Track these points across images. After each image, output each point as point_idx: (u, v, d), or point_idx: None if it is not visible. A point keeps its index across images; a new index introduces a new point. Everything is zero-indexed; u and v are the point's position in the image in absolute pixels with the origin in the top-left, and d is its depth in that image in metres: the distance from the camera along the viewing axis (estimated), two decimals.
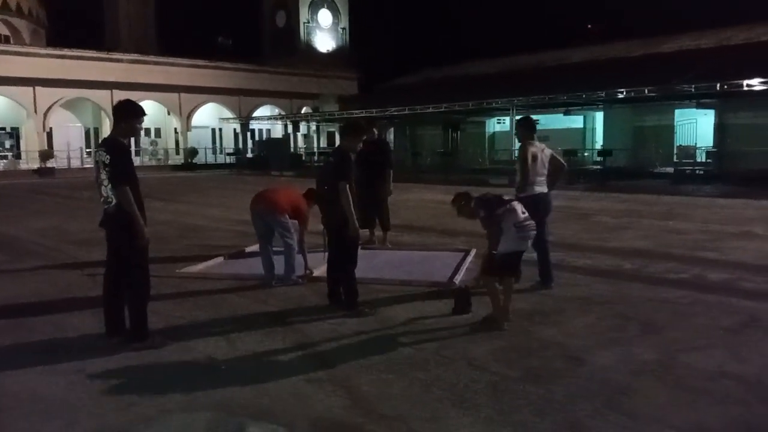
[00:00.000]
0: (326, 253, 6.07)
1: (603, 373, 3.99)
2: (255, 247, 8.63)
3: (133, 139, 33.79)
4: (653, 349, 4.43)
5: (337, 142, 44.88)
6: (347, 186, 5.26)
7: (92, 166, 27.86)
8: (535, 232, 5.12)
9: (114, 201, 4.40)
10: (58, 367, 4.21)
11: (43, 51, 36.34)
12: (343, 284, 5.47)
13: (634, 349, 4.45)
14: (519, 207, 5.03)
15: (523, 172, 6.07)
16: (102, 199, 4.49)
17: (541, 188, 6.24)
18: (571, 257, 7.83)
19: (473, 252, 8.03)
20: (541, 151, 6.24)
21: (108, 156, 4.35)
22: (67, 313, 5.61)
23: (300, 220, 6.71)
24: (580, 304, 5.62)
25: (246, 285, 6.55)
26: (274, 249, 6.63)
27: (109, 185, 4.39)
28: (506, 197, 5.10)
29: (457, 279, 6.58)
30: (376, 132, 8.58)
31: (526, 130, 6.35)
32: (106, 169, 4.37)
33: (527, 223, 4.99)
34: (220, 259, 7.98)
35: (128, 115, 4.49)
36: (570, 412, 3.43)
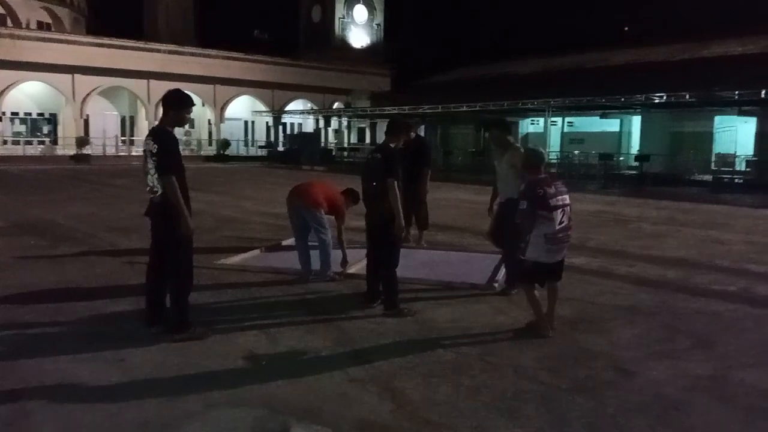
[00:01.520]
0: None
1: (655, 387, 3.85)
2: (291, 241, 8.61)
3: None
4: (705, 364, 4.27)
5: (368, 138, 44.95)
6: (395, 183, 5.20)
7: (126, 153, 28.24)
8: (566, 246, 4.86)
9: (160, 190, 4.38)
10: (99, 356, 4.21)
11: (83, 39, 36.93)
12: (384, 283, 5.40)
13: (686, 363, 4.29)
14: (559, 217, 4.69)
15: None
16: (148, 188, 4.47)
17: None
18: (613, 264, 7.65)
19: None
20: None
21: (155, 145, 4.33)
22: (107, 300, 5.63)
23: (337, 216, 6.67)
24: (626, 314, 5.46)
25: (283, 279, 6.52)
26: (310, 244, 6.59)
27: (156, 174, 4.37)
28: (557, 201, 4.70)
29: (497, 282, 6.45)
30: (413, 133, 8.47)
31: (505, 131, 6.27)
32: (153, 158, 4.35)
33: (560, 235, 4.72)
34: (257, 251, 7.98)
35: (177, 104, 4.47)
36: (623, 427, 3.31)
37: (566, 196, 4.75)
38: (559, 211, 4.68)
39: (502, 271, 6.91)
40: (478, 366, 4.11)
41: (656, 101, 22.46)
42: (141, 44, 38.43)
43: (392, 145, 5.55)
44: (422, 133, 36.92)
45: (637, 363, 4.24)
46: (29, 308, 5.31)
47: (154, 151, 4.32)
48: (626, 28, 53.66)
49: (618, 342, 4.68)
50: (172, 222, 4.36)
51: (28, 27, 39.62)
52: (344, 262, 6.71)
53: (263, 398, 3.56)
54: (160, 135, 4.40)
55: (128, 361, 4.09)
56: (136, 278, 6.36)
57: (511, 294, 5.89)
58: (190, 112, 4.55)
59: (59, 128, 35.63)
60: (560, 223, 4.69)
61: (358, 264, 6.95)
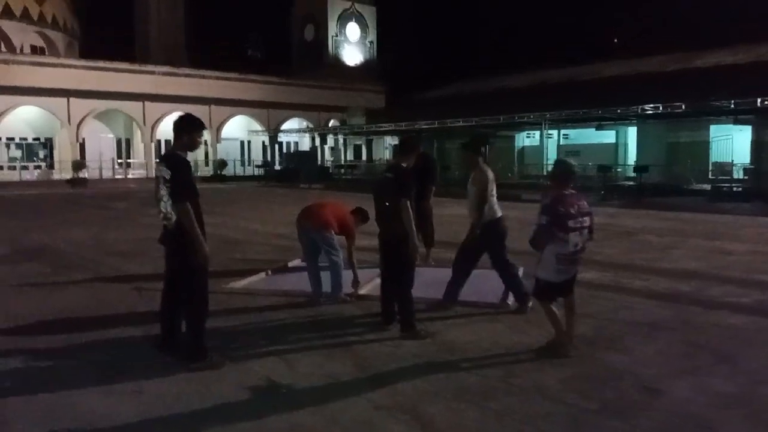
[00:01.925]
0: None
1: (683, 406, 3.78)
2: (297, 262, 8.57)
3: (162, 149, 33.91)
4: (731, 381, 4.20)
5: (364, 154, 45.00)
6: (408, 203, 5.15)
7: (122, 176, 28.09)
8: (576, 268, 4.77)
9: (174, 217, 4.31)
10: (115, 388, 4.11)
11: (77, 63, 36.97)
12: (400, 304, 5.33)
13: (711, 379, 4.23)
14: (574, 239, 4.58)
15: (487, 199, 5.98)
16: (161, 215, 4.39)
17: (501, 211, 6.29)
18: (625, 278, 7.60)
19: (521, 270, 7.82)
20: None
21: (169, 171, 4.27)
22: (117, 328, 5.53)
23: (347, 236, 6.62)
24: (645, 330, 5.40)
25: (293, 302, 6.44)
26: (321, 265, 6.52)
27: (169, 201, 4.30)
28: (576, 223, 4.58)
29: (510, 299, 6.39)
30: (420, 147, 8.43)
31: (481, 151, 6.26)
32: (167, 184, 4.28)
33: (572, 257, 4.63)
34: (264, 274, 7.89)
35: (191, 128, 4.42)
36: None
37: (587, 218, 4.64)
38: (577, 233, 4.59)
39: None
40: (502, 389, 4.03)
41: (653, 112, 22.51)
42: (135, 66, 38.51)
43: (404, 165, 5.52)
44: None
45: (663, 381, 4.17)
46: (38, 339, 5.22)
47: (168, 177, 4.25)
48: (615, 41, 54.12)
49: (641, 359, 4.61)
50: (186, 249, 4.29)
51: (21, 52, 39.66)
52: (355, 283, 6.64)
53: (289, 428, 3.48)
54: (174, 161, 4.34)
55: (146, 392, 4.00)
56: (145, 305, 6.30)
57: (526, 310, 5.86)
58: (202, 135, 4.50)
59: (55, 152, 35.53)
60: (575, 245, 4.60)
61: (369, 285, 6.88)
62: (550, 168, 27.31)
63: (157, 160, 4.47)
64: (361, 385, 4.14)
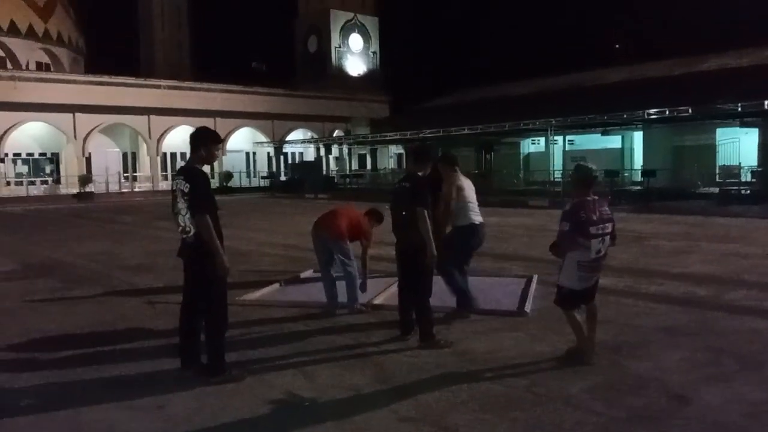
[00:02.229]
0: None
1: (714, 414, 3.72)
2: (309, 273, 8.55)
3: (168, 162, 33.76)
4: (760, 387, 4.14)
5: (369, 164, 45.02)
6: (425, 212, 5.12)
7: (129, 190, 28.08)
8: (597, 275, 4.72)
9: (192, 231, 4.27)
10: (135, 403, 4.07)
11: (83, 78, 37.15)
12: (418, 314, 5.28)
13: (739, 386, 4.16)
14: (596, 246, 4.51)
15: (449, 205, 6.10)
16: (180, 229, 4.36)
17: (479, 218, 6.32)
18: (640, 284, 7.53)
19: (535, 278, 7.77)
20: (467, 182, 6.37)
21: (188, 184, 4.24)
22: (134, 343, 5.50)
23: (364, 239, 6.58)
24: (666, 335, 5.33)
25: (308, 313, 6.40)
26: (335, 275, 6.49)
27: (188, 214, 4.26)
28: (598, 229, 4.49)
29: (527, 307, 6.33)
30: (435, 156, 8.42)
31: (448, 164, 6.36)
32: (185, 197, 4.25)
33: (594, 264, 4.58)
34: (277, 285, 7.85)
35: (208, 141, 4.40)
36: None
37: (609, 225, 4.58)
38: (598, 240, 4.52)
39: (531, 296, 6.82)
40: (528, 398, 3.97)
41: (659, 116, 22.44)
42: (140, 81, 38.69)
43: (420, 174, 5.49)
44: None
45: (690, 388, 4.10)
46: (55, 355, 5.18)
47: (186, 190, 4.22)
48: (617, 46, 54.11)
49: (665, 366, 4.55)
50: (205, 262, 4.25)
51: (27, 68, 39.88)
52: (363, 286, 6.57)
53: None
54: (192, 174, 4.31)
55: (168, 407, 3.95)
56: (160, 319, 6.27)
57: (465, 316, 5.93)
58: (220, 148, 4.47)
59: (62, 167, 35.61)
60: (597, 252, 4.54)
61: (383, 294, 6.83)
62: (556, 174, 27.27)
63: (175, 174, 4.42)
64: (383, 397, 4.09)
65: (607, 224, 4.56)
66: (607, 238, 4.59)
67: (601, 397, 3.96)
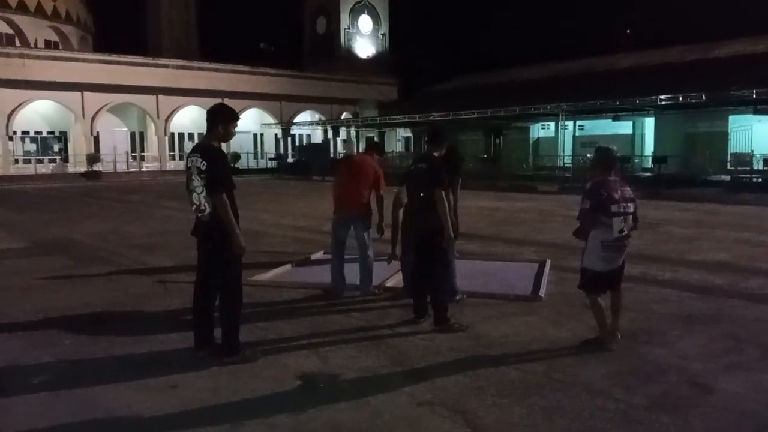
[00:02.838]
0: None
1: (737, 403, 3.66)
2: (320, 255, 8.50)
3: (176, 143, 33.54)
4: None
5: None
6: (443, 193, 5.06)
7: (136, 169, 27.94)
8: (621, 258, 4.62)
9: (208, 209, 4.20)
10: (149, 382, 4.04)
11: (91, 57, 36.99)
12: (433, 297, 5.22)
13: (762, 375, 4.09)
14: (618, 225, 4.46)
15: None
16: (194, 207, 4.29)
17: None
18: (654, 270, 7.44)
19: (548, 263, 7.70)
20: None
21: (204, 162, 4.16)
22: (145, 322, 5.47)
23: (378, 186, 6.29)
24: (684, 323, 5.26)
25: (320, 294, 6.36)
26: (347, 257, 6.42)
27: (203, 192, 4.19)
28: (620, 207, 4.44)
29: (542, 292, 6.26)
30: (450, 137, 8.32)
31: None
32: (201, 175, 4.18)
33: (617, 244, 4.51)
34: (288, 266, 7.81)
35: (226, 118, 4.32)
36: None
37: (631, 204, 4.52)
38: (620, 219, 4.46)
39: (545, 281, 6.75)
40: (546, 384, 3.91)
41: (671, 102, 22.18)
42: (149, 60, 38.49)
43: (435, 155, 5.42)
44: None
45: (711, 376, 4.04)
46: (67, 334, 5.14)
47: (203, 168, 4.15)
48: (628, 31, 53.47)
49: (685, 354, 4.48)
50: (221, 241, 4.18)
51: (36, 46, 39.75)
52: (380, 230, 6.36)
53: (330, 424, 3.39)
54: (209, 151, 4.23)
55: (181, 387, 3.92)
56: (171, 298, 6.24)
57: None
58: (236, 125, 4.39)
59: (69, 146, 35.61)
60: (620, 231, 4.47)
61: (395, 277, 6.78)
62: (566, 159, 27.05)
63: (191, 151, 4.34)
64: (399, 380, 4.04)
65: (629, 204, 4.51)
66: (630, 218, 4.52)
67: (620, 384, 3.90)
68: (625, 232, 4.52)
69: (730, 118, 26.22)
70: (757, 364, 4.28)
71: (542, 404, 3.61)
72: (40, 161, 34.24)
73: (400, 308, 5.71)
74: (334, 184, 6.51)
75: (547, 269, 7.35)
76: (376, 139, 45.63)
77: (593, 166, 4.79)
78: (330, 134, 41.07)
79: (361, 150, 40.56)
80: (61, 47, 42.53)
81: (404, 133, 45.73)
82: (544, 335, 4.95)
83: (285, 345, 4.77)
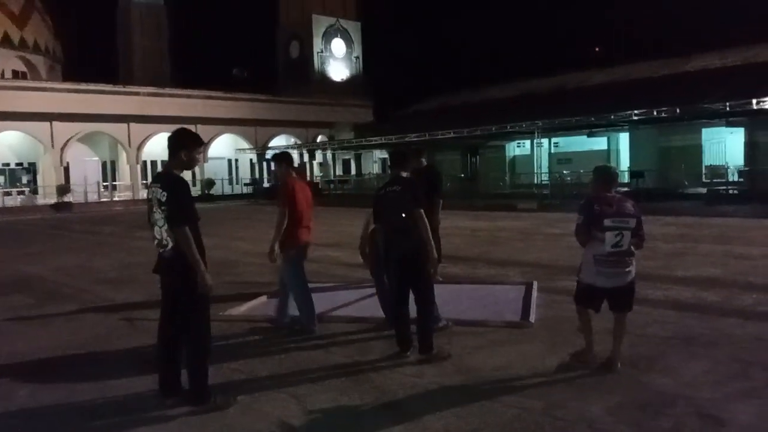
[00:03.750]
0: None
1: None
2: None
3: (149, 171, 32.86)
4: None
5: (353, 169, 44.62)
6: (423, 213, 4.80)
7: (108, 199, 27.26)
8: (623, 272, 4.44)
9: (170, 244, 3.84)
10: None
11: (60, 86, 36.37)
12: (423, 324, 4.92)
13: None
14: (612, 239, 4.32)
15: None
16: (156, 242, 3.93)
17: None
18: (644, 289, 7.12)
19: (535, 284, 7.42)
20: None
21: (165, 193, 3.80)
22: (109, 365, 5.05)
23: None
24: (683, 346, 4.99)
25: (298, 328, 5.97)
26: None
27: (165, 225, 3.83)
28: (613, 222, 4.32)
29: (531, 317, 5.96)
30: (424, 160, 8.06)
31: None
32: (162, 207, 3.82)
33: (612, 259, 4.36)
34: (264, 298, 7.42)
35: (189, 143, 3.97)
36: None
37: (629, 220, 4.36)
38: (614, 233, 4.32)
39: (534, 303, 6.46)
40: (547, 423, 3.59)
41: (646, 117, 22.26)
42: (119, 88, 37.99)
43: (404, 175, 5.18)
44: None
45: (721, 406, 3.75)
46: (23, 382, 4.70)
47: (163, 199, 3.79)
48: (597, 49, 54.21)
49: (689, 381, 4.20)
50: (185, 278, 3.82)
51: (3, 77, 39.01)
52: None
53: None
54: (170, 181, 3.88)
55: None
56: (138, 338, 5.82)
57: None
58: (201, 151, 4.04)
59: (39, 177, 34.80)
60: (614, 245, 4.32)
61: (355, 306, 6.50)
62: (542, 178, 27.09)
63: (151, 181, 3.98)
64: (386, 424, 3.69)
65: (626, 219, 4.37)
66: (627, 233, 4.36)
67: (625, 420, 3.60)
68: (623, 247, 4.35)
69: (703, 131, 26.46)
70: (767, 391, 4.01)
71: None
72: (8, 193, 33.31)
73: (383, 340, 5.37)
74: (302, 209, 6.10)
75: (534, 292, 7.07)
76: (352, 161, 45.57)
77: (593, 183, 4.69)
78: (306, 158, 40.77)
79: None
80: (29, 77, 41.83)
81: (381, 154, 45.59)
82: (537, 365, 4.64)
83: (260, 387, 4.38)
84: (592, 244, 4.43)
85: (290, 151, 42.19)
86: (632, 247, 4.44)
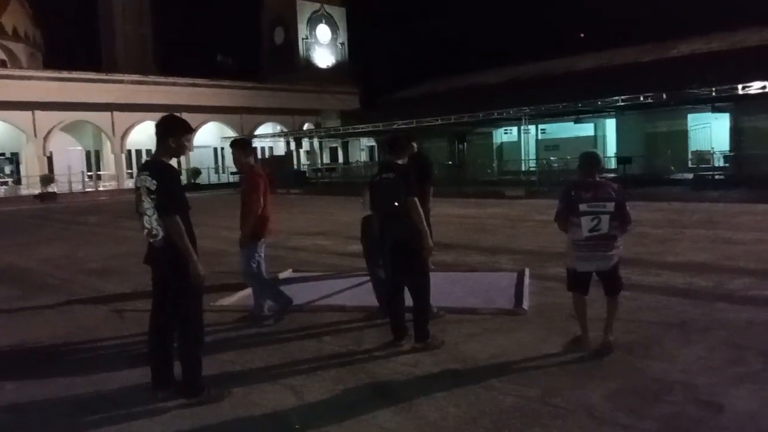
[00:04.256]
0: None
1: (752, 422, 3.37)
2: (287, 273, 8.09)
3: (133, 160, 32.35)
4: None
5: (340, 157, 44.36)
6: (417, 201, 4.76)
7: (93, 189, 26.86)
8: (603, 256, 4.47)
9: (160, 234, 3.75)
10: (100, 431, 3.57)
11: (41, 74, 35.76)
12: (419, 312, 4.88)
13: None
14: (589, 224, 4.39)
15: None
16: (145, 232, 3.83)
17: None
18: (636, 274, 7.19)
19: (527, 271, 7.40)
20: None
21: (154, 181, 3.71)
22: (99, 358, 4.99)
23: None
24: (677, 332, 4.99)
25: (291, 318, 5.92)
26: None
27: (155, 215, 3.74)
28: (588, 207, 4.39)
29: (525, 304, 5.95)
30: (415, 146, 7.97)
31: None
32: (152, 196, 3.73)
33: (590, 243, 4.44)
34: None
35: (177, 130, 3.87)
36: None
37: (607, 204, 4.41)
38: (589, 217, 4.39)
39: (526, 291, 6.45)
40: (545, 411, 3.57)
41: (633, 103, 22.30)
42: (103, 76, 37.43)
43: (399, 162, 5.12)
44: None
45: (719, 392, 3.74)
46: (10, 376, 4.61)
47: (153, 188, 3.70)
48: (582, 35, 54.20)
49: (685, 367, 4.19)
50: (176, 268, 3.74)
51: None
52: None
53: None
54: (159, 169, 3.79)
55: None
56: (128, 329, 5.74)
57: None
58: (190, 138, 3.95)
59: (22, 167, 34.27)
60: (591, 230, 4.40)
61: (346, 293, 6.47)
62: (530, 164, 27.07)
63: (139, 169, 3.89)
64: (383, 414, 3.65)
65: (603, 203, 4.42)
66: (605, 217, 4.40)
67: (623, 407, 3.58)
68: (602, 230, 4.40)
69: (689, 116, 26.55)
70: (764, 376, 4.01)
71: None
72: None
73: (376, 329, 5.33)
74: (264, 202, 6.15)
75: (526, 279, 7.05)
76: (339, 149, 45.35)
77: (578, 169, 4.72)
78: (293, 146, 40.51)
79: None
80: (9, 65, 41.12)
81: (368, 142, 45.43)
82: (533, 353, 4.62)
83: (254, 379, 4.32)
84: (572, 229, 4.53)
85: (277, 139, 42.04)
86: (615, 231, 4.46)
